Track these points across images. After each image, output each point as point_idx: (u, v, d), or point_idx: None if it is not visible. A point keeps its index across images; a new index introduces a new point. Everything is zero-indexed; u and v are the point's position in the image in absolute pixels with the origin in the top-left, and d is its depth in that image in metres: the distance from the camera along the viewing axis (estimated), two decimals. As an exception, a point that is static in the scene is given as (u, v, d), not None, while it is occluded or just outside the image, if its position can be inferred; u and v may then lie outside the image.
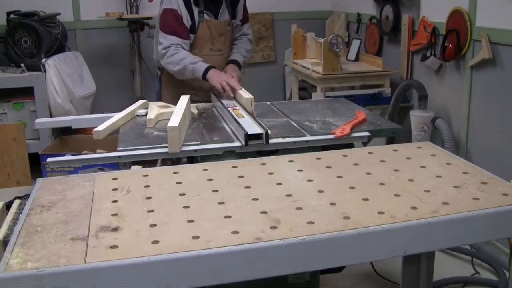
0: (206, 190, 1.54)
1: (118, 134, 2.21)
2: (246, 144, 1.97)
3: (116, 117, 2.31)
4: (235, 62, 2.87)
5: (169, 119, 2.06)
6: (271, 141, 2.03)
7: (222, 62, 2.86)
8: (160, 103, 2.56)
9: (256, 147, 2.01)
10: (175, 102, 2.40)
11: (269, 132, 2.05)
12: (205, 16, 2.74)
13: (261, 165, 1.75)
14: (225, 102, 2.49)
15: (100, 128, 2.15)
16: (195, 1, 2.70)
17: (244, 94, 2.48)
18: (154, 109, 2.43)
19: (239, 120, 2.15)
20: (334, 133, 2.10)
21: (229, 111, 2.29)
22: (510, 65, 2.79)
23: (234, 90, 2.57)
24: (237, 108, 2.38)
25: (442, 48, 3.21)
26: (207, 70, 2.61)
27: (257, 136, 2.00)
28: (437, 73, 3.44)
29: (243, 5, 2.94)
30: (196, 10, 2.71)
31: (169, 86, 2.93)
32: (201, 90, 2.85)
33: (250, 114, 2.28)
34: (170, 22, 2.66)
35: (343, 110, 2.53)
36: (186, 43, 2.69)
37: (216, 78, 2.59)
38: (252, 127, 2.05)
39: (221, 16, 2.81)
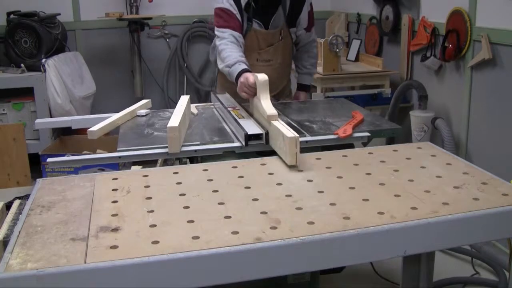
0: (206, 190, 1.54)
1: (118, 135, 2.21)
2: (246, 144, 1.97)
3: (113, 117, 2.32)
4: (304, 87, 2.80)
5: (167, 118, 2.03)
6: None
7: (272, 73, 2.50)
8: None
9: (256, 147, 2.01)
10: (229, 92, 2.47)
11: (269, 132, 2.05)
12: (254, 24, 2.58)
13: (261, 165, 1.75)
14: (225, 102, 2.49)
15: (94, 128, 2.16)
16: (246, 7, 2.53)
17: (268, 109, 2.02)
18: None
19: (239, 120, 2.15)
20: (337, 134, 2.10)
21: (229, 111, 2.29)
22: (510, 65, 2.79)
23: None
24: (237, 108, 2.37)
25: (442, 49, 3.21)
26: (239, 74, 2.34)
27: (257, 136, 2.00)
28: (437, 73, 3.44)
29: (309, 11, 2.68)
30: (245, 16, 2.56)
31: (223, 77, 2.69)
32: None
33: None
34: (221, 17, 2.53)
35: (343, 111, 2.52)
36: (240, 36, 2.51)
37: (241, 88, 2.31)
38: (252, 127, 2.05)
39: (273, 26, 2.61)
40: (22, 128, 3.92)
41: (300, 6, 2.63)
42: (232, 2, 2.52)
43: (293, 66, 2.91)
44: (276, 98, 2.73)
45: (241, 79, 2.28)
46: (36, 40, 4.04)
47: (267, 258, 1.23)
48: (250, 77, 2.22)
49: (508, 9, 2.74)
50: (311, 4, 2.70)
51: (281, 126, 1.86)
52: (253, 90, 2.22)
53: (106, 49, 4.75)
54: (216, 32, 2.57)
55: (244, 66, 2.36)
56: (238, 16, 2.52)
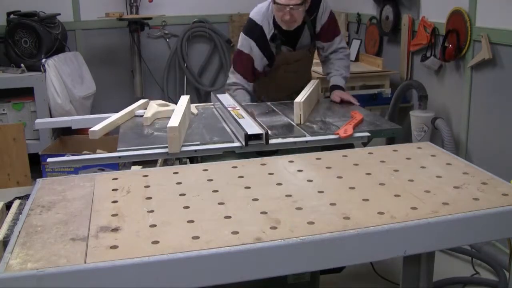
0: (206, 190, 1.54)
1: (118, 135, 2.21)
2: (246, 144, 1.97)
3: (114, 117, 2.32)
4: (337, 87, 2.82)
5: (167, 117, 2.06)
6: (271, 141, 2.03)
7: (296, 81, 2.84)
8: (160, 101, 2.57)
9: (256, 147, 2.01)
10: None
11: (269, 132, 2.05)
12: (283, 49, 2.76)
13: (261, 165, 1.75)
14: (225, 102, 2.49)
15: (96, 128, 2.16)
16: (272, 38, 2.70)
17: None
18: (153, 108, 2.44)
19: (239, 120, 2.15)
20: (338, 134, 2.10)
21: (229, 111, 2.29)
22: (510, 65, 2.79)
23: None
24: (237, 108, 2.37)
25: (442, 49, 3.21)
26: None
27: (257, 136, 2.00)
28: (437, 73, 3.44)
29: (328, 23, 2.80)
30: (272, 45, 2.73)
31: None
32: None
33: (250, 113, 2.28)
34: (240, 64, 2.77)
35: (343, 111, 2.53)
36: (249, 85, 2.79)
37: None
38: (252, 127, 2.05)
39: (300, 46, 2.80)
40: (22, 128, 3.92)
41: (315, 21, 2.77)
42: (254, 46, 2.69)
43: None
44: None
45: None
46: (36, 40, 4.04)
47: (267, 258, 1.23)
48: None
49: (508, 9, 2.74)
50: (329, 14, 2.79)
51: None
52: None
53: (106, 49, 4.75)
54: (231, 74, 2.82)
55: None
56: (260, 58, 2.72)
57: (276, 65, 2.80)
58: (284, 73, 2.83)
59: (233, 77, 2.80)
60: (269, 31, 2.68)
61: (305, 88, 2.53)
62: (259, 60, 2.73)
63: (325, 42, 2.84)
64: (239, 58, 2.76)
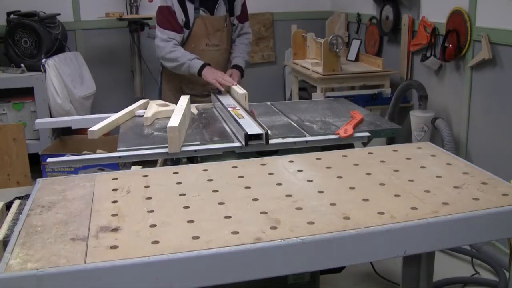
0: (206, 190, 1.54)
1: (118, 135, 2.21)
2: (246, 144, 1.97)
3: (113, 117, 2.32)
4: (237, 67, 2.94)
5: (167, 117, 2.06)
6: (271, 141, 2.03)
7: (220, 57, 2.96)
8: (160, 101, 2.57)
9: (256, 147, 2.01)
10: (174, 97, 2.58)
11: (269, 132, 2.05)
12: (201, 12, 2.83)
13: (261, 165, 1.75)
14: (225, 102, 2.49)
15: (95, 128, 2.16)
16: None
17: (239, 90, 2.57)
18: (153, 108, 2.44)
19: (239, 120, 2.15)
20: (338, 134, 2.10)
21: (229, 111, 2.29)
22: (510, 65, 2.79)
23: (228, 86, 2.69)
24: (237, 108, 2.38)
25: (442, 48, 3.21)
26: (202, 67, 2.74)
27: (257, 136, 2.00)
28: (437, 73, 3.44)
29: (242, 3, 2.99)
30: (191, 7, 2.81)
31: (169, 81, 3.04)
32: (198, 85, 2.93)
33: (248, 111, 2.29)
34: (165, 17, 2.82)
35: (343, 111, 2.53)
36: (180, 36, 2.83)
37: (211, 74, 2.71)
38: (252, 127, 2.05)
39: (217, 12, 2.89)
40: (22, 128, 3.92)
41: None
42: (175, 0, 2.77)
43: None
44: None
45: (210, 70, 2.72)
46: (36, 40, 4.04)
47: (267, 258, 1.23)
48: (219, 74, 2.71)
49: (508, 9, 2.74)
50: None
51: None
52: (227, 82, 2.67)
53: (106, 49, 4.75)
54: (158, 33, 2.84)
55: (203, 61, 2.75)
56: (180, 14, 2.79)
57: (197, 36, 2.85)
58: (206, 47, 2.89)
59: (162, 35, 2.81)
60: None
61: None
62: (179, 16, 2.79)
63: (240, 22, 3.00)
64: (162, 14, 2.82)
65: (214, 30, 2.90)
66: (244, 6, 3.03)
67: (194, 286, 1.20)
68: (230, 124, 2.22)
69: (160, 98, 3.00)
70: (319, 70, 3.73)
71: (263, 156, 1.94)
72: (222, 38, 2.95)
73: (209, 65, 2.77)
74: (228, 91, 2.70)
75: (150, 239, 1.24)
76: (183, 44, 2.88)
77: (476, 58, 2.98)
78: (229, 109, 2.34)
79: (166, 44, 2.80)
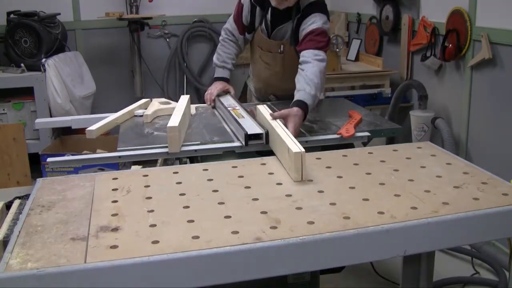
0: (206, 190, 1.54)
1: (118, 134, 2.21)
2: (246, 144, 1.97)
3: (112, 116, 2.32)
4: (298, 103, 2.15)
5: (167, 115, 2.05)
6: (271, 141, 2.03)
7: (270, 77, 2.71)
8: (162, 99, 2.57)
9: (256, 147, 2.01)
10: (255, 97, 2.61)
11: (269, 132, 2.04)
12: (262, 26, 2.61)
13: (261, 165, 1.76)
14: (225, 102, 2.49)
15: (93, 127, 2.16)
16: (262, 6, 2.58)
17: (294, 147, 1.67)
18: (154, 106, 2.44)
19: (239, 120, 2.15)
20: (340, 134, 2.10)
21: (229, 111, 2.29)
22: (510, 65, 2.79)
23: (214, 100, 2.59)
24: (237, 108, 2.37)
25: (442, 48, 3.21)
26: (215, 79, 2.70)
27: (257, 136, 2.00)
28: (437, 73, 3.44)
29: (308, 32, 2.43)
30: (259, 13, 2.61)
31: (254, 78, 2.91)
32: (280, 90, 2.75)
33: (250, 112, 2.27)
34: (235, 10, 2.75)
35: (343, 110, 2.52)
36: (235, 30, 2.72)
37: (211, 86, 2.66)
38: (252, 127, 2.05)
39: (275, 37, 2.60)
40: (22, 128, 3.92)
41: (300, 24, 2.50)
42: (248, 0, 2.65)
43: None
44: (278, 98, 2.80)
45: (212, 87, 2.62)
46: (36, 40, 4.04)
47: (267, 258, 1.23)
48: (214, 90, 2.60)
49: (508, 9, 2.74)
50: (320, 27, 2.46)
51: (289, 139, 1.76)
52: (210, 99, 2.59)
53: (106, 49, 4.75)
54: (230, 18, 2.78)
55: (220, 75, 2.68)
56: (247, 13, 2.66)
57: (254, 44, 2.74)
58: (259, 58, 2.74)
59: (227, 23, 2.79)
60: None
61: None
62: (246, 12, 2.67)
63: (300, 50, 2.44)
64: (237, 4, 2.76)
65: (266, 49, 2.66)
66: (309, 34, 2.43)
67: (194, 286, 1.20)
68: (230, 124, 2.22)
69: (243, 93, 2.97)
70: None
71: (263, 156, 1.94)
72: (274, 60, 2.65)
73: (223, 81, 2.67)
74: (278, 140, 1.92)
75: (150, 239, 1.24)
76: (247, 42, 2.78)
77: (476, 58, 2.98)
78: (229, 109, 2.34)
79: (222, 33, 2.78)
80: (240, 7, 2.69)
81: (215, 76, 2.72)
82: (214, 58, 2.76)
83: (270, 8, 2.56)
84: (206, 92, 2.66)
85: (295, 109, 2.08)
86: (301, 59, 2.39)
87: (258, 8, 2.61)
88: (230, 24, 2.75)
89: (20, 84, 3.93)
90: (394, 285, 2.56)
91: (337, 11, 4.86)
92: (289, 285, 1.95)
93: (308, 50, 2.39)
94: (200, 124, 2.31)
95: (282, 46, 2.61)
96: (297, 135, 2.04)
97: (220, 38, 2.79)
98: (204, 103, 2.65)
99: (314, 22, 2.46)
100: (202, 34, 4.87)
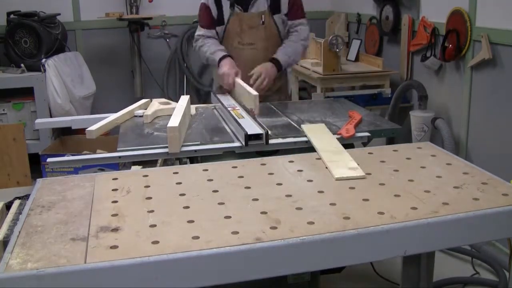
0: (206, 190, 1.54)
1: (118, 135, 2.21)
2: (246, 144, 1.97)
3: (112, 116, 2.32)
4: (272, 60, 2.71)
5: (167, 115, 2.05)
6: (271, 141, 2.03)
7: (256, 56, 2.76)
8: (162, 99, 2.57)
9: (256, 147, 2.01)
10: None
11: (269, 132, 2.05)
12: (235, 9, 2.74)
13: (261, 165, 1.75)
14: (225, 102, 2.49)
15: (93, 127, 2.16)
16: None
17: (251, 90, 2.44)
18: (154, 106, 2.44)
19: (239, 120, 2.15)
20: (340, 134, 2.10)
21: (229, 111, 2.29)
22: (510, 65, 2.79)
23: (230, 86, 2.63)
24: (237, 108, 2.38)
25: (442, 49, 3.21)
26: (221, 59, 2.67)
27: (257, 137, 2.00)
28: (437, 73, 3.44)
29: (291, 0, 2.75)
30: (226, 3, 2.73)
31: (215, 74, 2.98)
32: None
33: (250, 112, 2.29)
34: (202, 15, 2.81)
35: (343, 110, 2.52)
36: (213, 33, 2.79)
37: (225, 68, 2.63)
38: (252, 127, 2.05)
39: (252, 8, 2.74)
40: (22, 128, 3.92)
41: None
42: None
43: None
44: (272, 98, 2.81)
45: (226, 64, 2.63)
46: (36, 40, 4.04)
47: (267, 258, 1.23)
48: (232, 72, 2.60)
49: (508, 9, 2.74)
50: None
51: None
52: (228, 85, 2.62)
53: (106, 49, 4.75)
54: (197, 30, 2.85)
55: (224, 53, 2.68)
56: (214, 10, 2.74)
57: (230, 34, 2.77)
58: (238, 45, 2.78)
59: (197, 31, 2.83)
60: None
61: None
62: (213, 12, 2.76)
63: (289, 19, 2.79)
64: (199, 11, 2.82)
65: (247, 27, 2.75)
66: (294, 3, 2.76)
67: (194, 286, 1.20)
68: (230, 124, 2.22)
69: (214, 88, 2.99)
70: (319, 70, 3.73)
71: (263, 156, 1.94)
72: (257, 36, 2.76)
73: (230, 57, 2.67)
74: (231, 91, 2.64)
75: (150, 239, 1.24)
76: (220, 42, 2.82)
77: (476, 58, 2.98)
78: (229, 109, 2.34)
79: (196, 44, 2.82)
80: (203, 9, 2.76)
81: (219, 58, 2.67)
82: (205, 53, 2.75)
83: None
84: (224, 75, 2.60)
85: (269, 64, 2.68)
86: (295, 28, 2.79)
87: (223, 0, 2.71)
88: (198, 31, 2.80)
89: (20, 84, 3.93)
90: (394, 285, 2.56)
91: (337, 11, 4.86)
92: (289, 285, 1.95)
93: (297, 19, 2.80)
94: (200, 124, 2.31)
95: (263, 17, 2.75)
96: (266, 80, 2.63)
97: (198, 44, 2.80)
98: (204, 103, 2.65)
99: None
100: (202, 34, 4.86)
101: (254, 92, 2.41)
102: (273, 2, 2.74)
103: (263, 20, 2.74)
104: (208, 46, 2.77)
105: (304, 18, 2.83)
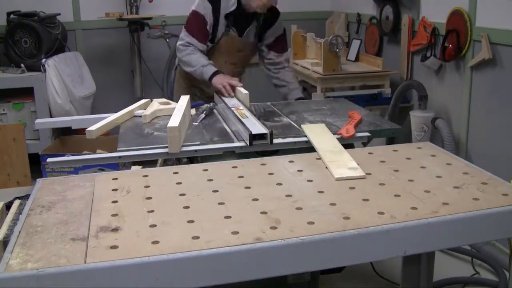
0: (206, 190, 1.54)
1: (118, 135, 2.21)
2: (251, 144, 1.97)
3: (112, 116, 2.32)
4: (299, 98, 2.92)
5: (167, 115, 2.05)
6: (270, 141, 2.03)
7: (233, 71, 2.91)
8: (162, 100, 2.57)
9: (260, 147, 2.01)
10: (186, 93, 2.58)
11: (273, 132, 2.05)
12: (231, 31, 2.81)
13: (261, 165, 1.76)
14: (229, 102, 2.49)
15: (93, 127, 2.16)
16: (227, 16, 2.76)
17: (242, 90, 2.58)
18: (154, 106, 2.44)
19: (243, 120, 2.14)
20: (340, 134, 2.10)
21: (233, 112, 2.29)
22: (510, 65, 2.78)
23: (234, 89, 2.65)
24: (240, 108, 2.37)
25: (442, 49, 3.21)
26: (214, 74, 2.71)
27: (261, 136, 2.00)
28: (437, 73, 3.44)
29: (278, 36, 2.95)
30: (223, 23, 2.78)
31: (182, 79, 3.03)
32: (210, 88, 2.89)
33: (249, 109, 2.31)
34: (195, 24, 2.79)
35: (343, 110, 2.52)
36: (203, 47, 2.81)
37: (219, 80, 2.67)
38: (256, 127, 2.05)
39: (246, 36, 2.86)
40: (22, 128, 3.92)
41: (270, 26, 2.89)
42: (210, 11, 2.74)
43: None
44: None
45: (220, 77, 2.67)
46: (36, 40, 4.04)
47: (267, 258, 1.23)
48: (226, 78, 2.67)
49: (508, 9, 2.74)
50: (284, 30, 2.98)
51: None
52: (233, 84, 2.65)
53: (106, 49, 4.74)
54: (184, 36, 2.82)
55: (216, 69, 2.72)
56: (210, 26, 2.77)
57: (218, 53, 2.84)
58: (224, 65, 2.86)
59: (187, 38, 2.80)
60: (229, 6, 2.75)
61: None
62: (209, 28, 2.77)
63: (277, 52, 2.96)
64: (193, 19, 2.80)
65: (236, 50, 2.88)
66: (282, 38, 2.97)
67: (194, 286, 1.20)
68: (233, 124, 2.22)
69: (171, 96, 3.01)
70: (319, 70, 3.73)
71: (263, 156, 1.94)
72: (242, 58, 2.95)
73: (222, 72, 2.73)
74: (234, 93, 2.66)
75: (150, 239, 1.24)
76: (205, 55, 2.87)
77: (476, 58, 2.97)
78: (233, 109, 2.33)
79: (185, 48, 2.79)
80: (200, 20, 2.75)
81: (213, 72, 2.71)
82: (193, 65, 2.75)
83: (233, 15, 2.75)
84: (221, 83, 2.64)
85: None
86: (281, 58, 2.98)
87: (221, 18, 2.75)
88: (190, 39, 2.78)
89: (20, 85, 3.93)
90: (394, 285, 2.56)
91: (337, 12, 4.86)
92: (289, 285, 1.95)
93: (285, 53, 3.02)
94: (200, 124, 2.31)
95: (252, 45, 2.91)
96: None
97: (188, 51, 2.78)
98: (206, 103, 2.65)
99: (281, 26, 2.93)
100: (202, 34, 4.86)
101: (244, 91, 2.54)
102: (260, 33, 2.90)
103: (251, 48, 2.95)
104: (197, 56, 2.77)
105: (288, 50, 3.08)
